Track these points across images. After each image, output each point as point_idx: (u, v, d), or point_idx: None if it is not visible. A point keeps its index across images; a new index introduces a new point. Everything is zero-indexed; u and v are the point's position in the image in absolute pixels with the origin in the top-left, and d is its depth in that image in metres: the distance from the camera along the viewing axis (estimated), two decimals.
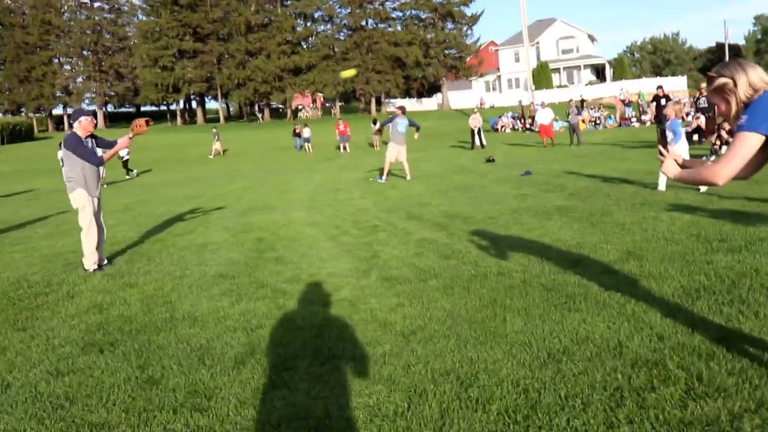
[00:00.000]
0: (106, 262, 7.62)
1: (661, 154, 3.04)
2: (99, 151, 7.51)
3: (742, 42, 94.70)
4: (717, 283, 4.61)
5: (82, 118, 7.20)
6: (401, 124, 15.36)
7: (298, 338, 4.32)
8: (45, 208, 15.73)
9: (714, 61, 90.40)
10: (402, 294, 5.20)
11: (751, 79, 2.68)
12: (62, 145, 7.18)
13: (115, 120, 75.01)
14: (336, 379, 3.59)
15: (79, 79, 68.61)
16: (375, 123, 36.22)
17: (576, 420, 2.85)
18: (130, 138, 7.86)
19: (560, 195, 10.09)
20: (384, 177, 15.52)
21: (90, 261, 7.30)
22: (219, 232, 9.46)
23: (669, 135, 10.00)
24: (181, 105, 71.83)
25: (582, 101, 38.47)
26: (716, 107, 2.85)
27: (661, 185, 9.51)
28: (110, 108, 74.80)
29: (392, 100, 68.61)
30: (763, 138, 2.60)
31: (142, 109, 76.17)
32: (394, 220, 9.17)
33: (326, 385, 3.50)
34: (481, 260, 6.10)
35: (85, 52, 67.85)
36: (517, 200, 9.97)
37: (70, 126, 7.36)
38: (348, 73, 14.26)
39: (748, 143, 2.61)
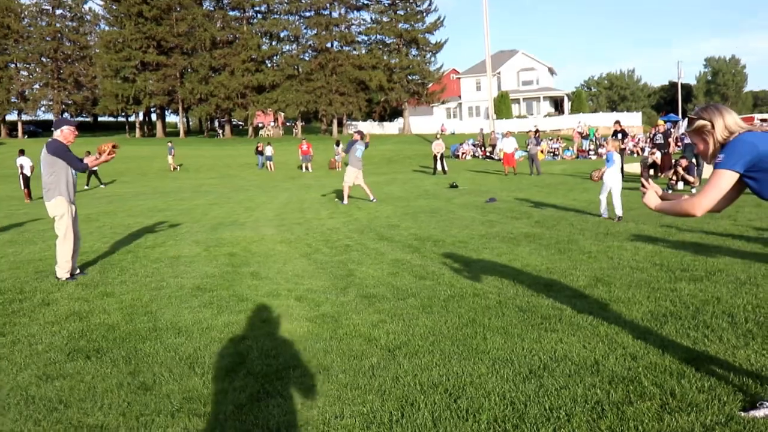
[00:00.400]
0: (78, 271, 7.59)
1: (644, 186, 3.31)
2: (71, 170, 7.43)
3: (693, 82, 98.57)
4: (682, 309, 4.91)
5: (65, 128, 7.21)
6: (359, 149, 15.73)
7: (285, 350, 4.44)
8: (2, 215, 15.41)
9: (667, 99, 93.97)
10: (382, 311, 5.37)
11: (727, 123, 2.98)
12: (46, 151, 7.13)
13: None
14: (328, 389, 3.72)
15: (36, 86, 67.16)
16: (338, 144, 36.46)
17: (562, 430, 3.05)
18: (98, 161, 7.82)
19: (526, 222, 10.42)
20: (345, 200, 15.72)
21: (63, 269, 7.27)
22: (190, 246, 9.48)
23: (606, 164, 10.80)
24: (141, 117, 70.84)
25: (537, 131, 39.48)
26: (696, 146, 3.14)
27: (618, 211, 10.25)
28: (67, 116, 73.23)
29: (354, 122, 69.09)
30: (737, 175, 2.89)
31: (100, 119, 74.90)
32: (366, 241, 9.34)
33: (319, 395, 3.64)
34: (456, 282, 6.31)
35: (43, 59, 66.50)
36: (485, 226, 10.26)
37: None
38: None
39: (725, 179, 2.89)
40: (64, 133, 7.21)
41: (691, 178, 13.72)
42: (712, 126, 2.99)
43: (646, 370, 3.72)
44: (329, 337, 4.70)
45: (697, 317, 4.68)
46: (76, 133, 7.47)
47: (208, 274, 7.34)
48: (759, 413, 3.04)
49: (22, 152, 21.11)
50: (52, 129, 7.34)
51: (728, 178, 2.89)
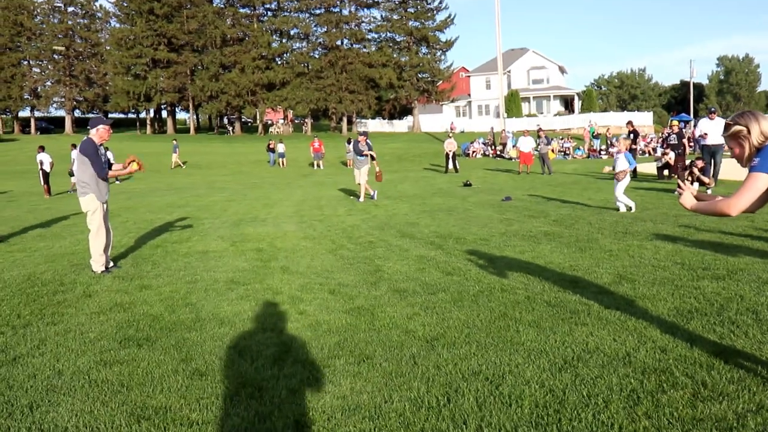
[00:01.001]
0: (112, 264, 7.84)
1: (680, 187, 3.53)
2: (105, 167, 7.67)
3: (705, 81, 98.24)
4: (707, 306, 5.10)
5: (101, 126, 7.45)
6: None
7: (327, 340, 4.66)
8: (25, 210, 15.72)
9: (678, 99, 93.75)
10: (415, 305, 5.58)
11: (763, 128, 3.18)
12: (78, 150, 7.41)
13: (82, 125, 73.99)
14: (373, 376, 3.94)
15: (48, 83, 67.63)
16: (349, 142, 36.67)
17: (601, 415, 3.26)
18: (122, 172, 8.04)
19: (544, 221, 10.60)
20: (362, 197, 15.95)
21: (98, 263, 7.52)
22: (216, 241, 9.72)
23: (622, 162, 11.68)
24: (151, 114, 71.26)
25: (540, 130, 39.59)
26: (732, 150, 3.33)
27: (622, 207, 11.33)
28: (78, 113, 73.69)
29: (363, 120, 69.33)
30: None
31: (111, 116, 75.37)
32: (388, 238, 9.55)
33: (367, 381, 3.85)
34: (482, 278, 6.51)
35: (55, 56, 66.96)
36: (504, 224, 10.45)
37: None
38: None
39: (761, 181, 3.10)
40: (99, 132, 7.45)
41: (706, 179, 13.85)
42: (748, 131, 3.18)
43: (677, 362, 3.91)
44: (368, 329, 4.91)
45: (722, 314, 4.87)
46: (111, 131, 7.72)
47: (239, 268, 7.57)
48: None
49: (42, 148, 21.41)
50: (88, 127, 7.58)
51: (763, 181, 3.08)
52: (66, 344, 4.80)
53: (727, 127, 3.30)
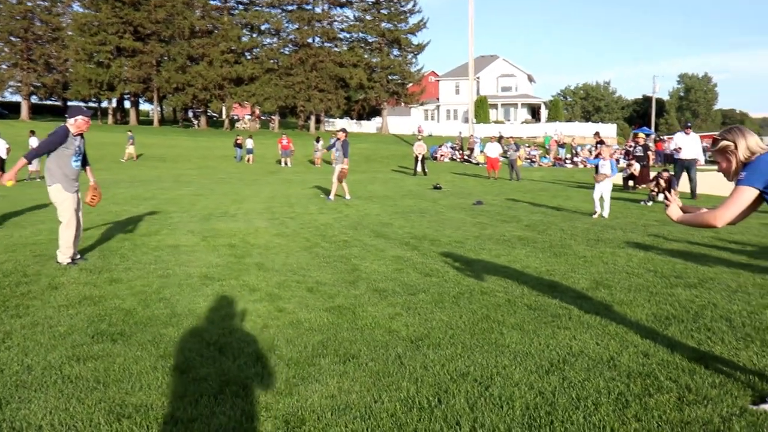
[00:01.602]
0: (78, 256, 7.61)
1: (667, 198, 3.60)
2: (75, 159, 7.34)
3: (666, 97, 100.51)
4: (683, 313, 5.17)
5: (79, 117, 7.20)
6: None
7: (310, 339, 4.58)
8: None
9: (639, 113, 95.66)
10: (396, 305, 5.54)
11: (749, 144, 3.27)
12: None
13: (39, 112, 71.96)
14: (360, 375, 3.88)
15: (4, 66, 65.39)
16: (318, 141, 36.51)
17: (592, 417, 3.26)
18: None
19: (517, 226, 10.67)
20: (332, 196, 15.86)
21: (65, 255, 7.30)
22: (186, 236, 9.53)
23: (605, 169, 12.19)
24: (114, 104, 69.71)
25: (500, 138, 39.93)
26: (719, 165, 3.42)
27: (601, 211, 11.81)
28: (35, 99, 71.58)
29: (331, 120, 69.06)
30: (757, 192, 3.19)
31: (71, 104, 73.55)
32: (362, 237, 9.48)
33: (354, 381, 3.79)
34: (461, 280, 6.50)
35: (12, 38, 64.72)
36: (477, 228, 10.48)
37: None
38: None
39: (746, 194, 3.19)
40: (77, 123, 7.20)
41: (672, 191, 14.12)
42: (735, 147, 3.28)
43: (660, 367, 3.94)
44: (350, 328, 4.85)
45: (697, 320, 4.94)
46: (90, 123, 7.47)
47: (212, 263, 7.43)
48: None
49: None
50: (66, 116, 7.31)
51: (749, 194, 3.18)
52: (34, 338, 4.62)
53: (714, 142, 3.40)
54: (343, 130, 16.11)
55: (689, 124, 16.62)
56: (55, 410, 3.42)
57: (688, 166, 15.68)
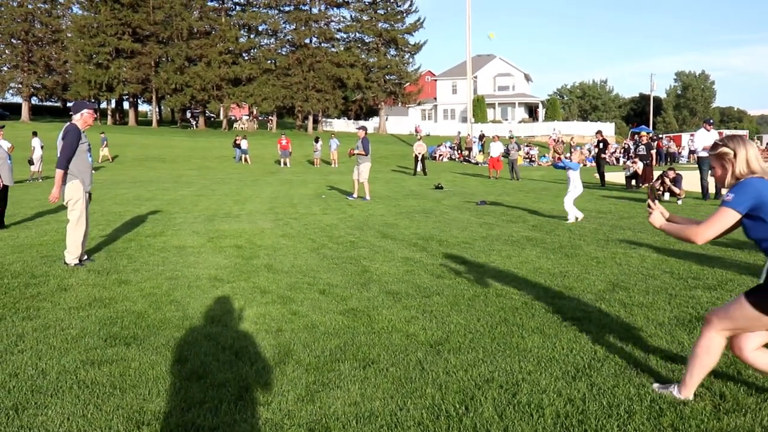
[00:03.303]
0: (86, 257, 7.51)
1: (650, 206, 3.60)
2: (89, 155, 7.27)
3: (663, 95, 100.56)
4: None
5: (85, 111, 7.10)
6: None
7: (328, 343, 4.48)
8: None
9: (637, 111, 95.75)
10: (411, 308, 5.44)
11: (749, 155, 3.26)
12: (61, 136, 7.01)
13: (39, 113, 71.77)
14: (382, 381, 3.78)
15: (5, 68, 65.30)
16: (317, 141, 36.41)
17: (627, 426, 3.17)
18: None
19: (524, 226, 10.58)
20: (355, 194, 15.95)
21: (73, 255, 7.20)
22: (192, 237, 9.43)
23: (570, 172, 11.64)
24: (113, 105, 69.50)
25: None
26: (713, 170, 3.42)
27: (571, 217, 11.16)
28: (35, 101, 71.47)
29: (329, 120, 68.91)
30: (739, 216, 3.20)
31: (71, 105, 73.37)
32: (369, 238, 9.39)
33: (377, 387, 3.69)
34: (474, 282, 6.41)
35: (13, 41, 64.65)
36: (484, 228, 10.39)
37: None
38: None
39: (729, 216, 3.22)
40: (83, 117, 7.11)
41: (677, 190, 14.05)
42: (734, 155, 3.27)
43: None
44: (367, 332, 4.75)
45: None
46: (95, 116, 7.36)
47: (220, 265, 7.33)
48: None
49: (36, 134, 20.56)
50: (71, 113, 7.21)
51: (731, 217, 3.21)
52: (47, 341, 4.53)
53: (715, 146, 3.40)
54: (363, 128, 16.19)
55: (711, 120, 15.71)
56: (73, 416, 3.32)
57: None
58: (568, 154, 11.32)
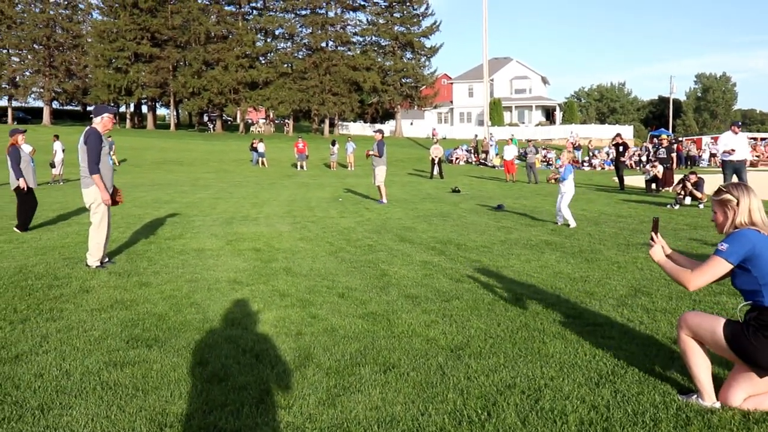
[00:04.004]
0: (107, 259, 7.57)
1: (652, 239, 3.70)
2: (109, 158, 7.39)
3: (683, 98, 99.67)
4: None
5: (105, 115, 7.18)
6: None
7: (348, 347, 4.48)
8: (7, 200, 15.26)
9: (656, 114, 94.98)
10: (430, 312, 5.42)
11: (752, 205, 3.33)
12: (82, 140, 7.08)
13: (59, 117, 72.67)
14: (403, 386, 3.76)
15: (27, 73, 66.24)
16: (334, 144, 36.51)
17: None
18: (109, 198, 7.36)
19: (542, 230, 10.52)
20: (384, 198, 15.99)
21: (94, 257, 7.26)
22: (210, 240, 9.47)
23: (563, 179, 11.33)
24: (132, 108, 70.19)
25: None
26: (714, 214, 3.49)
27: (572, 222, 10.89)
28: (56, 105, 72.41)
29: (345, 123, 69.06)
30: (731, 267, 3.28)
31: (90, 108, 74.11)
32: (387, 242, 9.38)
33: (398, 392, 3.68)
34: (494, 286, 6.38)
35: (36, 46, 65.58)
36: (502, 232, 10.34)
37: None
38: None
39: (721, 267, 3.32)
40: (104, 121, 7.19)
41: (699, 194, 13.86)
42: (737, 203, 3.34)
43: (715, 381, 3.79)
44: (387, 336, 4.74)
45: None
46: (114, 120, 7.45)
47: (239, 268, 7.35)
48: None
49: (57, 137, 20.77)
50: (92, 116, 7.29)
51: (723, 267, 3.32)
52: (70, 342, 4.56)
53: (719, 192, 3.47)
54: (380, 132, 16.27)
55: (739, 123, 15.07)
56: (97, 417, 3.35)
57: (738, 168, 14.25)
58: (559, 162, 11.03)
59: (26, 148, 20.01)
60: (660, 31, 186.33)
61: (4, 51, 65.37)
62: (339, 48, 65.85)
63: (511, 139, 28.38)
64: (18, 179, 10.32)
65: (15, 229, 10.09)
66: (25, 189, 10.36)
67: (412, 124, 67.89)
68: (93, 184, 7.09)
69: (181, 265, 7.46)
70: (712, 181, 15.64)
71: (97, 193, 7.09)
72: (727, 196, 3.38)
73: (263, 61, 66.64)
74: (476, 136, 44.96)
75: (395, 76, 64.04)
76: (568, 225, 10.87)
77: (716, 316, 3.46)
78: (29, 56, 65.66)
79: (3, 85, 64.31)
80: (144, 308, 5.53)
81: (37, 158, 22.59)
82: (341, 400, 3.56)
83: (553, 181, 11.61)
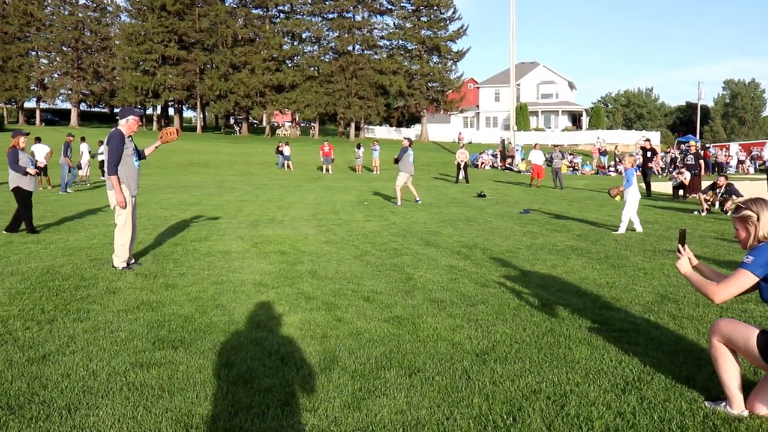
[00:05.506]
0: (133, 261, 7.67)
1: (680, 251, 3.68)
2: (135, 159, 7.49)
3: (711, 104, 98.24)
4: None
5: (130, 117, 7.28)
6: (411, 155, 16.54)
7: (373, 351, 4.48)
8: (35, 201, 15.53)
9: (683, 120, 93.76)
10: (455, 316, 5.41)
11: None
12: (106, 142, 7.22)
13: (87, 119, 73.91)
14: (428, 390, 3.76)
15: (56, 74, 67.52)
16: (359, 148, 36.60)
17: None
18: (157, 147, 8.02)
19: (568, 236, 10.43)
20: (399, 201, 16.44)
21: (120, 259, 7.36)
22: (236, 242, 9.55)
23: (623, 182, 11.36)
24: (159, 110, 71.10)
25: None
26: (737, 231, 3.48)
27: (621, 229, 10.82)
28: (83, 107, 73.67)
29: (371, 126, 69.20)
30: (756, 279, 3.24)
31: (117, 110, 75.30)
32: (412, 246, 9.37)
33: (423, 396, 3.67)
34: (519, 291, 6.34)
35: (64, 48, 66.83)
36: (528, 237, 10.28)
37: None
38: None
39: (746, 279, 3.28)
40: (129, 123, 7.29)
41: (735, 198, 13.59)
42: (758, 218, 3.33)
43: (743, 389, 3.73)
44: (412, 340, 4.74)
45: None
46: (140, 123, 7.55)
47: (265, 270, 7.40)
48: None
49: (38, 140, 21.10)
50: (117, 118, 7.41)
51: (749, 280, 3.27)
52: (97, 343, 4.63)
53: (738, 209, 3.45)
54: (407, 139, 16.70)
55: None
56: (123, 418, 3.39)
57: None
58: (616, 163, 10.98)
59: (43, 150, 20.40)
60: (689, 37, 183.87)
61: (33, 53, 66.70)
62: (365, 51, 66.05)
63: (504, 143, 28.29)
64: (21, 173, 10.28)
65: (3, 231, 10.21)
66: (34, 174, 10.44)
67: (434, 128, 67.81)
68: (122, 184, 7.19)
69: (206, 267, 7.54)
70: (743, 189, 15.37)
71: (120, 196, 7.19)
72: (747, 212, 3.38)
73: (290, 65, 67.13)
74: (503, 140, 44.71)
75: (421, 80, 64.04)
76: (634, 230, 10.90)
77: (751, 326, 3.41)
78: (57, 58, 66.90)
79: (32, 87, 65.61)
80: (170, 310, 5.59)
81: (54, 159, 22.91)
82: (366, 404, 3.57)
83: (618, 198, 11.49)
